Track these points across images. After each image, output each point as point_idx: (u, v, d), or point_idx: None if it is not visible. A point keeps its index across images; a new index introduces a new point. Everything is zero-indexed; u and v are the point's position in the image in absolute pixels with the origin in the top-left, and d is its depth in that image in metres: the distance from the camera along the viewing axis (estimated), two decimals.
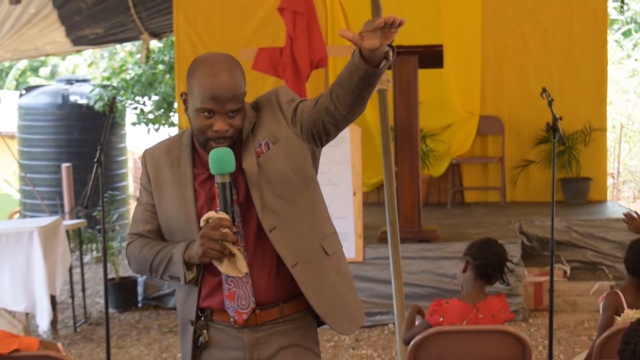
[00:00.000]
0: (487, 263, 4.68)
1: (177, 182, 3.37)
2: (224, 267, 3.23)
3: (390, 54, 2.99)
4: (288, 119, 3.31)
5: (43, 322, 7.42)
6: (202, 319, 3.39)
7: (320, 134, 3.26)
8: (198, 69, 3.26)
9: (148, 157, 3.48)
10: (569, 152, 10.46)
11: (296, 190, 3.33)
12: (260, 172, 3.27)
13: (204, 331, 3.39)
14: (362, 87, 3.04)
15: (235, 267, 3.23)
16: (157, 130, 13.59)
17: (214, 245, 3.17)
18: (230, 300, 3.31)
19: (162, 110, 13.31)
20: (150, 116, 13.44)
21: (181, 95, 3.36)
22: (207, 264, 3.29)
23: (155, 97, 13.31)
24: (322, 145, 3.35)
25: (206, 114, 3.21)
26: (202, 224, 3.23)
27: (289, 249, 3.30)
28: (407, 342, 5.15)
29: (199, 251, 3.20)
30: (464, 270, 4.78)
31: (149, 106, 13.46)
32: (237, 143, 3.30)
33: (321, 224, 3.43)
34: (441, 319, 4.64)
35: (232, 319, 3.33)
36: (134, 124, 13.74)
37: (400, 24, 2.86)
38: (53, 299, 7.82)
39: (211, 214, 3.22)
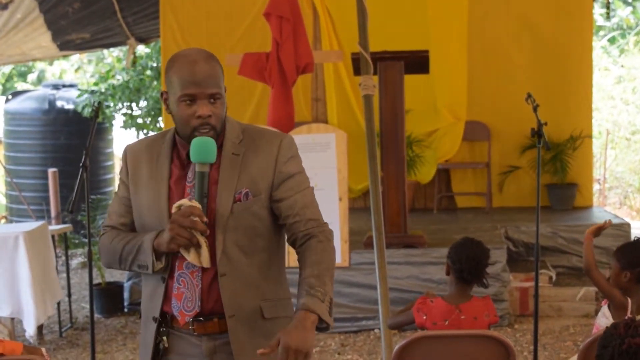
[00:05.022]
0: (462, 267, 4.68)
1: (154, 177, 3.36)
2: (190, 256, 3.22)
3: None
4: (276, 182, 3.33)
5: (30, 327, 7.39)
6: (162, 325, 3.37)
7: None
8: (175, 62, 3.28)
9: (129, 151, 3.48)
10: (560, 158, 10.48)
11: (256, 247, 3.34)
12: (231, 217, 3.27)
13: (164, 338, 3.37)
14: None
15: (199, 258, 3.23)
16: (146, 134, 13.59)
17: (183, 232, 3.16)
18: (177, 299, 3.30)
19: (150, 116, 13.31)
20: (139, 121, 13.45)
21: (161, 95, 3.36)
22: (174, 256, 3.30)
23: (143, 103, 13.31)
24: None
25: (188, 101, 3.22)
26: (173, 210, 3.22)
27: (230, 299, 3.29)
28: (390, 327, 5.25)
29: (167, 237, 3.19)
30: (447, 273, 4.81)
31: (137, 112, 13.46)
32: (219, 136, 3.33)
33: (269, 286, 3.39)
34: (424, 317, 4.66)
35: (190, 327, 3.31)
36: (123, 127, 13.72)
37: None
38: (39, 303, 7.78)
39: (183, 201, 3.21)
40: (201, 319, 3.30)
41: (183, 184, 3.32)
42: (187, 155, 3.30)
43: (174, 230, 3.16)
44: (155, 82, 13.12)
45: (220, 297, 3.29)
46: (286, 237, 3.37)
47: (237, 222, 3.28)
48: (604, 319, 4.78)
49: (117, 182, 14.68)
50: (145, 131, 13.55)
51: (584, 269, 4.99)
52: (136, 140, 3.56)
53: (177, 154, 3.38)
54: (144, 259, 3.28)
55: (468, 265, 4.69)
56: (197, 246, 3.21)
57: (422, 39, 10.19)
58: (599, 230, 5.03)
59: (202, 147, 3.20)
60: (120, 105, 13.32)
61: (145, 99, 13.23)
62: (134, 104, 13.43)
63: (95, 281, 8.68)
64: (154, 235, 3.26)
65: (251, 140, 3.37)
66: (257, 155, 3.35)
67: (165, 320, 3.36)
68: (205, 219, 3.19)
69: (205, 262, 3.22)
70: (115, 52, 16.21)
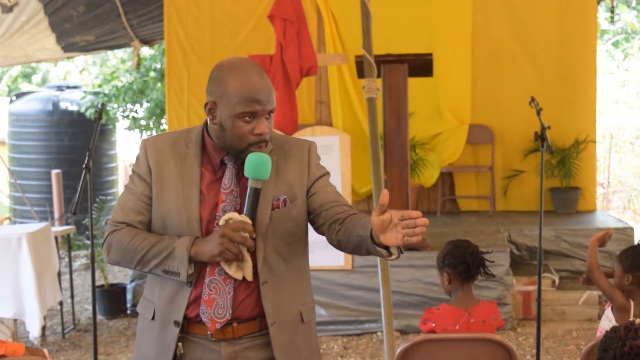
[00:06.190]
0: (469, 265, 4.70)
1: (182, 179, 3.28)
2: (232, 270, 3.19)
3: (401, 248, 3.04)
4: (309, 183, 3.36)
5: (34, 328, 7.38)
6: (179, 331, 3.28)
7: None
8: (229, 75, 3.20)
9: (150, 146, 3.36)
10: (563, 162, 10.48)
11: (295, 252, 3.36)
12: (270, 224, 3.26)
13: (179, 344, 3.29)
14: (360, 253, 3.17)
15: (240, 272, 3.21)
16: (149, 136, 13.58)
17: (232, 248, 3.12)
18: (207, 306, 3.23)
19: (153, 117, 13.32)
20: (142, 123, 13.45)
21: (205, 105, 3.26)
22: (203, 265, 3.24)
23: (146, 104, 13.32)
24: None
25: (247, 118, 3.17)
26: (221, 222, 3.17)
27: (272, 307, 3.28)
28: None
29: (214, 250, 3.12)
30: (449, 282, 4.80)
31: (140, 113, 13.47)
32: None
33: (305, 290, 3.45)
34: (433, 325, 4.66)
35: (208, 332, 3.26)
36: (127, 129, 13.75)
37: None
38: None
39: (234, 215, 3.18)
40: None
41: (216, 189, 3.28)
42: (222, 161, 3.29)
43: (224, 245, 3.11)
44: (159, 84, 13.13)
45: (244, 302, 3.27)
46: (320, 225, 3.34)
47: (276, 230, 3.27)
48: (608, 321, 4.81)
49: (120, 183, 14.62)
50: (148, 133, 13.56)
51: (587, 270, 5.03)
52: (155, 135, 3.45)
53: (207, 157, 3.32)
54: (174, 266, 3.19)
55: (472, 260, 4.70)
56: (240, 260, 3.19)
57: (425, 42, 10.20)
58: (603, 238, 5.08)
59: (259, 164, 3.18)
60: (123, 107, 13.33)
61: (148, 101, 13.23)
62: (137, 106, 13.45)
63: (98, 283, 8.67)
64: (190, 243, 3.18)
65: (279, 147, 3.37)
66: (289, 161, 3.36)
67: (181, 325, 3.29)
68: (254, 235, 3.18)
69: (249, 275, 3.22)
70: (119, 53, 16.22)
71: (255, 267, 3.24)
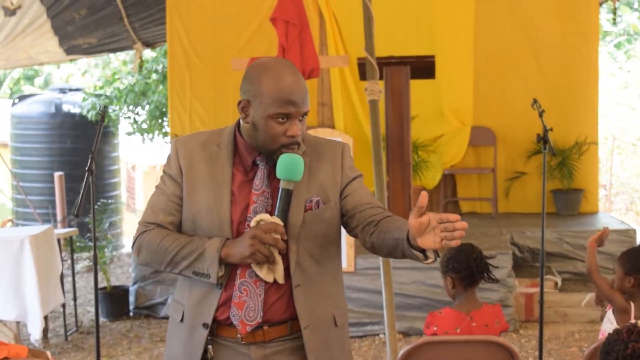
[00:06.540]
0: (473, 270, 4.70)
1: (213, 179, 3.26)
2: (263, 272, 3.16)
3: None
4: (342, 185, 3.32)
5: (35, 330, 7.38)
6: (207, 334, 3.25)
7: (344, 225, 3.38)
8: (264, 75, 3.17)
9: (180, 146, 3.34)
10: (566, 163, 10.47)
11: (329, 255, 3.33)
12: (303, 226, 3.23)
13: (209, 347, 3.26)
14: (395, 256, 3.18)
15: (271, 274, 3.18)
16: (151, 139, 13.61)
17: (263, 250, 3.10)
18: (238, 308, 3.21)
19: (155, 118, 13.31)
20: (144, 126, 13.45)
21: (239, 103, 3.24)
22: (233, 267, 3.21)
23: (148, 107, 13.32)
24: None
25: (281, 119, 3.16)
26: (252, 223, 3.15)
27: (306, 310, 3.25)
28: None
29: (245, 252, 3.10)
30: (453, 287, 4.79)
31: (142, 116, 13.47)
32: None
33: (339, 293, 3.42)
34: (435, 329, 4.66)
35: (238, 335, 3.23)
36: (129, 133, 13.75)
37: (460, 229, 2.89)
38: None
39: (265, 216, 3.15)
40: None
41: (247, 190, 3.25)
42: (254, 162, 3.26)
43: (256, 247, 3.09)
44: (161, 86, 13.13)
45: (275, 305, 3.24)
46: (353, 228, 3.31)
47: (309, 232, 3.24)
48: (609, 324, 4.80)
49: (123, 185, 14.60)
50: (150, 135, 13.56)
51: (587, 273, 5.05)
52: (186, 136, 3.43)
53: (239, 158, 3.31)
54: (205, 267, 3.17)
55: (476, 265, 4.71)
56: (271, 263, 3.17)
57: (428, 44, 10.18)
58: (601, 238, 5.09)
59: (291, 165, 3.15)
60: (125, 109, 13.33)
61: (149, 103, 13.22)
62: (139, 108, 13.45)
63: (100, 285, 8.68)
64: (220, 244, 3.15)
65: (313, 149, 3.35)
66: (322, 163, 3.33)
67: (211, 328, 3.26)
68: (285, 237, 3.16)
69: (280, 278, 3.19)
70: (122, 55, 16.23)
71: (287, 269, 3.21)
